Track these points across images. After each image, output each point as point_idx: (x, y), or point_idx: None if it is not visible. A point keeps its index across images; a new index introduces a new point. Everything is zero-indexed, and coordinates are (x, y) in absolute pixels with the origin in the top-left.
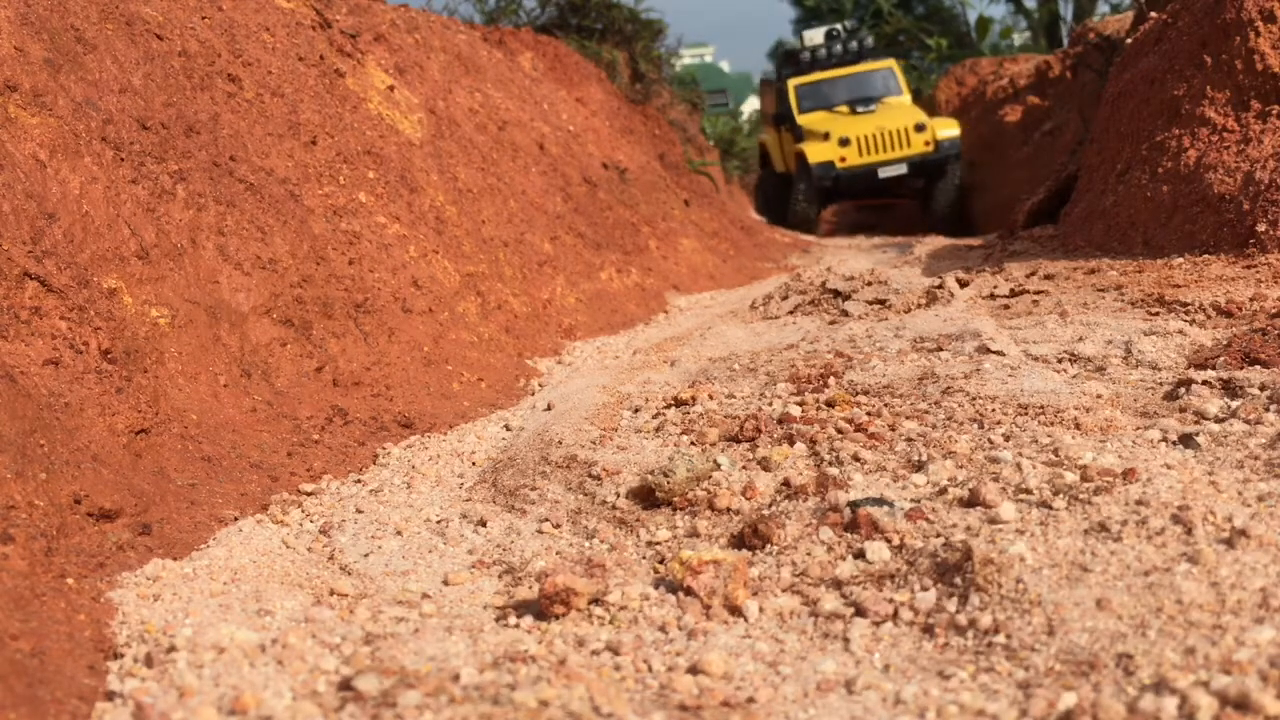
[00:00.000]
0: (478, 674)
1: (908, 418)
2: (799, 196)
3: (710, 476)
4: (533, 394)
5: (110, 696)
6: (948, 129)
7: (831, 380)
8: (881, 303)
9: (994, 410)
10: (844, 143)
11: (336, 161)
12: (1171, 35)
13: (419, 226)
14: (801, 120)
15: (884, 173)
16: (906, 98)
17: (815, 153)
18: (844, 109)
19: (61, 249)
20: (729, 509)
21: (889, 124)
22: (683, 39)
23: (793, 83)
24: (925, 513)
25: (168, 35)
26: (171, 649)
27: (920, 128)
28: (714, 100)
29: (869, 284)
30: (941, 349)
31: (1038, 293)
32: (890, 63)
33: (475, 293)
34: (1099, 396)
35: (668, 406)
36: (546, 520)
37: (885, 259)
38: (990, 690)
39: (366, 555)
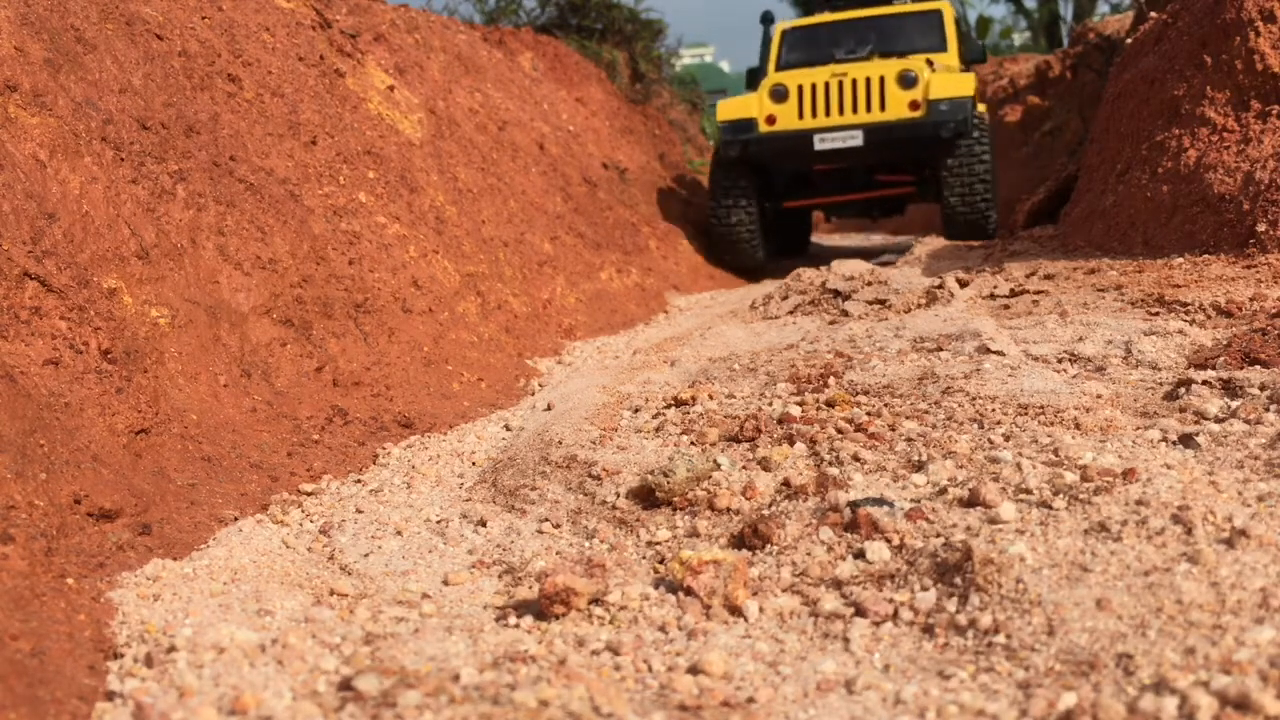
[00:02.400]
0: (478, 674)
1: (908, 418)
2: (714, 194)
3: (710, 476)
4: (533, 394)
5: (110, 696)
6: (952, 88)
7: (831, 380)
8: (881, 303)
9: (994, 410)
10: (778, 95)
11: (336, 161)
12: (1171, 35)
13: (419, 226)
14: (777, 78)
15: (822, 142)
16: (952, 58)
17: (730, 108)
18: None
19: (61, 249)
20: (729, 509)
21: (856, 72)
22: (683, 39)
23: (781, 26)
24: (925, 513)
25: (168, 35)
26: (171, 649)
27: (907, 81)
28: (714, 100)
29: (869, 284)
30: (941, 349)
31: (1038, 293)
32: (940, 5)
33: (475, 293)
34: (1099, 396)
35: (668, 406)
36: (546, 520)
37: (885, 259)
38: (990, 690)
39: (366, 555)
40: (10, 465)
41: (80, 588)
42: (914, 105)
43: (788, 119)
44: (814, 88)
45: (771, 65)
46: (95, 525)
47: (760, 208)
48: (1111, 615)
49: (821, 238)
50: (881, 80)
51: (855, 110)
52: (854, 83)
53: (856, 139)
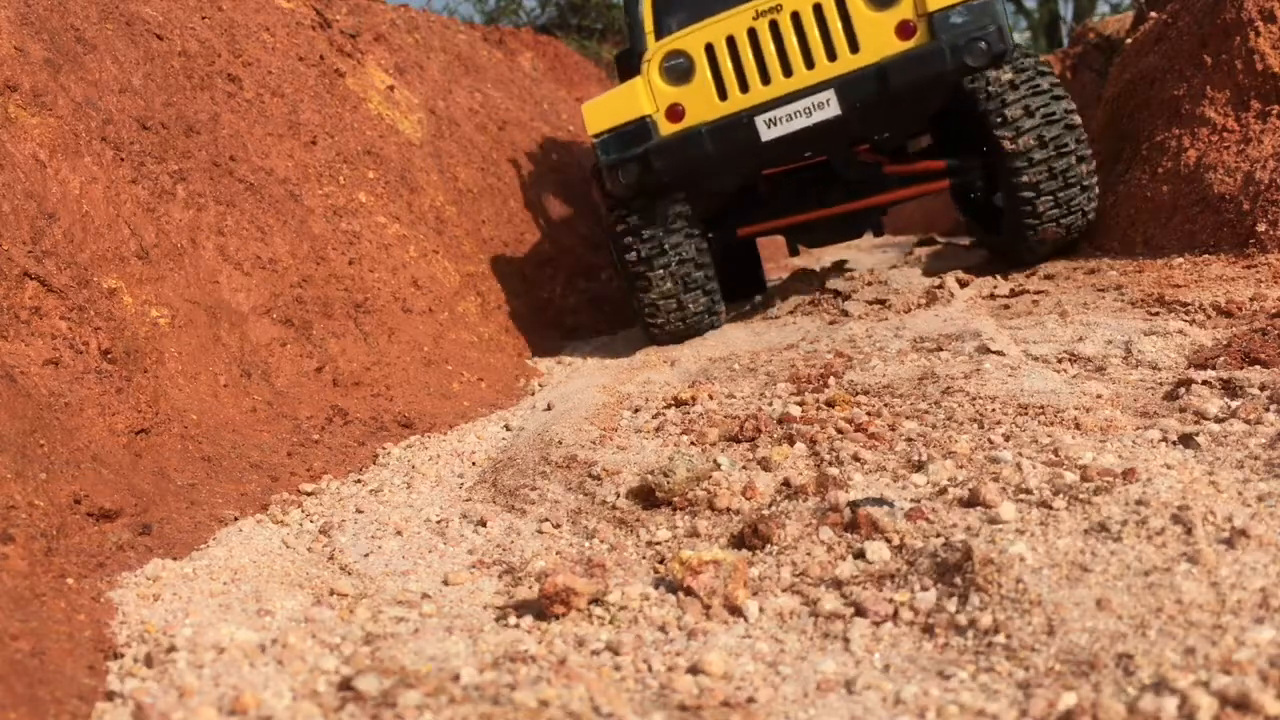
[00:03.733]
0: (478, 674)
1: (908, 418)
2: (623, 243)
3: (710, 476)
4: (533, 394)
5: (110, 696)
6: None
7: (831, 380)
8: (881, 303)
9: (994, 410)
10: (676, 70)
11: (336, 161)
12: (1171, 35)
13: (419, 226)
14: (670, 45)
15: (772, 127)
16: None
17: (605, 110)
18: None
19: (61, 249)
20: (729, 509)
21: (794, 1)
22: None
23: None
24: (925, 513)
25: (168, 35)
26: (171, 649)
27: None
28: None
29: (869, 284)
30: (941, 349)
31: (1038, 293)
32: None
33: (475, 293)
34: (1099, 396)
35: (668, 406)
36: (546, 520)
37: (885, 259)
38: (990, 690)
39: (366, 555)
40: (10, 465)
41: (80, 588)
42: (905, 29)
43: (702, 104)
44: (732, 43)
45: (649, 36)
46: (95, 525)
47: (710, 244)
48: (1111, 615)
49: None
50: (841, 3)
51: (809, 63)
52: (795, 17)
53: (828, 107)
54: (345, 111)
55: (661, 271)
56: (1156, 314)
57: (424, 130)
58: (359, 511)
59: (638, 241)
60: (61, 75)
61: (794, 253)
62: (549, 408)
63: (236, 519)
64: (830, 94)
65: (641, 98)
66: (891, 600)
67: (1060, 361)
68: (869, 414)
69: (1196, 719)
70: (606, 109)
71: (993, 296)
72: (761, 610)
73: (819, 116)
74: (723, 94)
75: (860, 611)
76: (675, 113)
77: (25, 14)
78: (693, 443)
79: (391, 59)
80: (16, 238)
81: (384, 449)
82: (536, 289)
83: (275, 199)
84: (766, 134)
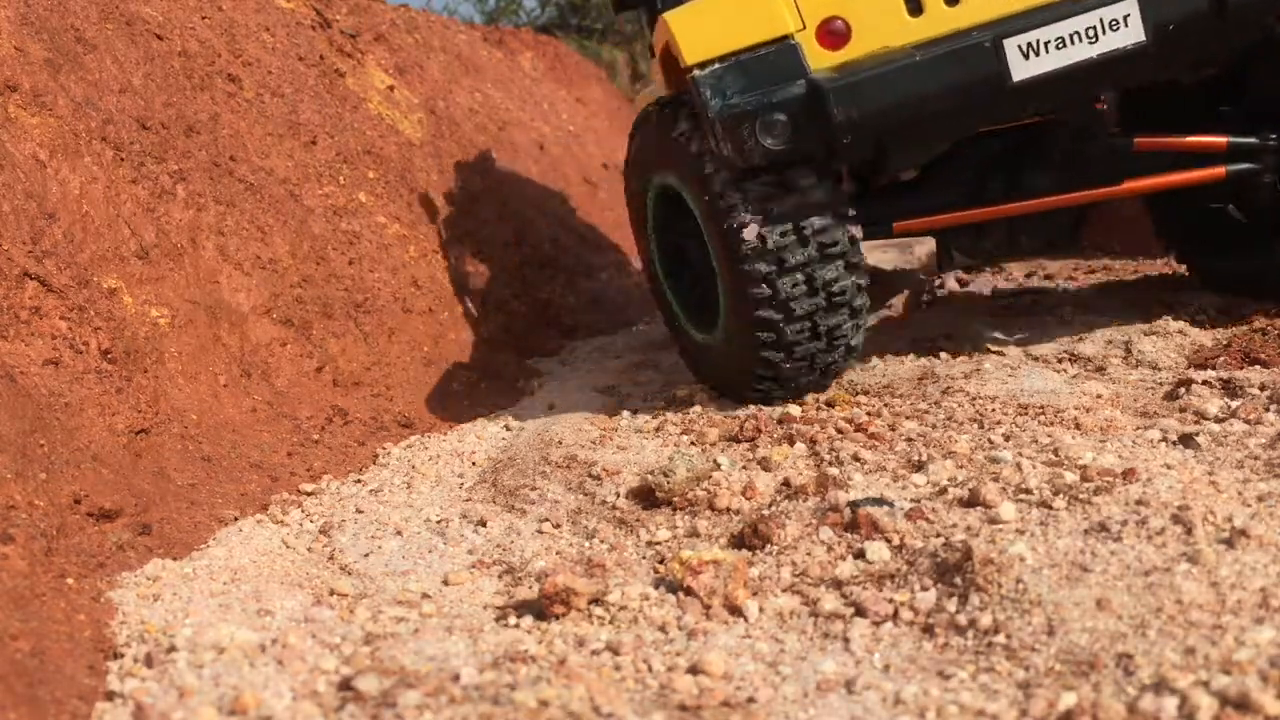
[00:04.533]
0: (478, 674)
1: (908, 418)
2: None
3: (710, 476)
4: (533, 394)
5: (110, 696)
6: None
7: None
8: (881, 302)
9: (994, 410)
10: None
11: (336, 161)
12: None
13: (419, 226)
14: None
15: (1035, 59)
16: None
17: (707, 27)
18: None
19: (61, 249)
20: (729, 509)
21: None
22: None
23: None
24: (925, 513)
25: (168, 35)
26: (171, 649)
27: None
28: None
29: (869, 284)
30: (941, 349)
31: (1038, 293)
32: None
33: (475, 292)
34: (1099, 396)
35: (667, 406)
36: (546, 520)
37: (885, 259)
38: (990, 690)
39: (366, 555)
40: (10, 465)
41: (80, 588)
42: None
43: (882, 19)
44: None
45: None
46: (95, 525)
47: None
48: (1111, 615)
49: None
50: None
51: None
52: None
53: (1125, 30)
54: (345, 111)
55: (799, 278)
56: (1157, 314)
57: (424, 130)
58: (359, 511)
59: (757, 228)
60: (61, 75)
61: (946, 266)
62: (549, 408)
63: (236, 519)
64: (1131, 9)
65: (778, 7)
66: (891, 600)
67: (1060, 361)
68: (869, 414)
69: (1196, 719)
70: (717, 23)
71: (992, 296)
72: (761, 610)
73: (1110, 44)
74: (916, 4)
75: (860, 611)
76: (834, 31)
77: (25, 14)
78: (693, 443)
79: (391, 59)
80: (16, 238)
81: (384, 449)
82: (536, 289)
83: (275, 199)
84: (1021, 69)
